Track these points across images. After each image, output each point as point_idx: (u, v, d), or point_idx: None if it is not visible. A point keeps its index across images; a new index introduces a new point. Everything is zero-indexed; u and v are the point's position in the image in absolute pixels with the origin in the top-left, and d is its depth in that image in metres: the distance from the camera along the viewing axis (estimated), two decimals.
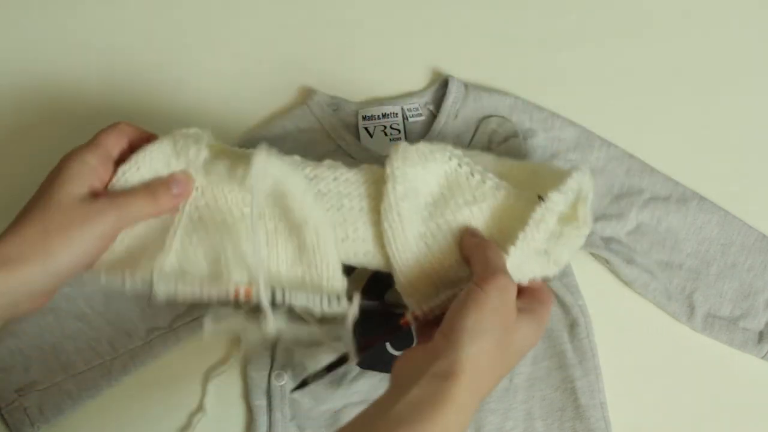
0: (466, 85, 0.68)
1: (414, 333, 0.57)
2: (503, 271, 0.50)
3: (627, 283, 0.65)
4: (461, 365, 0.45)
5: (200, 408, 0.63)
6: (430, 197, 0.57)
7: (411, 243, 0.56)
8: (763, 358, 0.64)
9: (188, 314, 0.64)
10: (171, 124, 0.68)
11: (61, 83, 0.70)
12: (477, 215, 0.56)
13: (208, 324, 0.55)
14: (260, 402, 0.62)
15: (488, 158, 0.59)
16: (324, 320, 0.59)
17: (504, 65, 0.70)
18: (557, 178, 0.54)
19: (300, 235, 0.56)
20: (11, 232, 0.50)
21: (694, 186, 0.67)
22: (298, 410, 0.62)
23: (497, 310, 0.48)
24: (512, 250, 0.52)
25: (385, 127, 0.68)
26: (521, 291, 0.53)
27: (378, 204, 0.56)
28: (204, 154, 0.56)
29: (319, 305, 0.55)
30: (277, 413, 0.61)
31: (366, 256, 0.57)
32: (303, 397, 0.62)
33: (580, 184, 0.55)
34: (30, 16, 0.72)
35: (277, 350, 0.63)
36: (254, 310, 0.54)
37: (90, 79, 0.70)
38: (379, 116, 0.68)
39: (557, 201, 0.52)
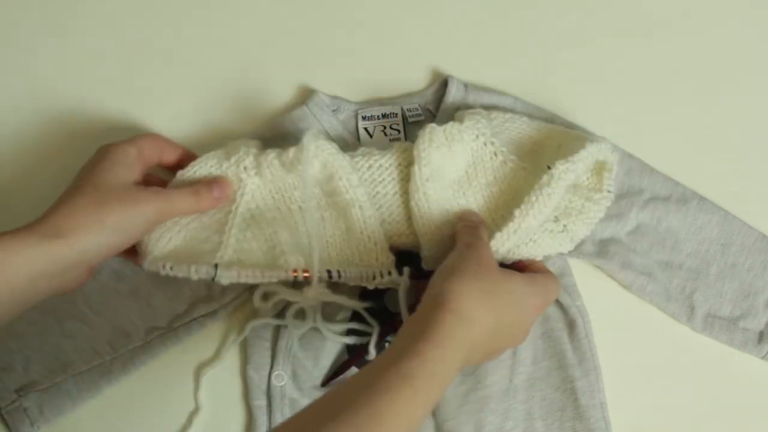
0: (466, 85, 0.68)
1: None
2: (479, 238, 0.56)
3: (624, 287, 0.65)
4: (445, 294, 0.49)
5: (196, 405, 0.63)
6: (455, 175, 0.61)
7: (437, 221, 0.59)
8: (763, 358, 0.64)
9: (188, 314, 0.64)
10: (170, 125, 0.69)
11: (56, 85, 0.71)
12: (497, 195, 0.60)
13: (257, 301, 0.59)
14: (260, 402, 0.62)
15: (520, 122, 0.64)
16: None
17: (504, 65, 0.70)
18: (585, 141, 0.58)
19: (347, 218, 0.60)
20: (64, 204, 0.54)
21: (694, 186, 0.67)
22: (299, 411, 0.62)
23: (472, 258, 0.53)
24: (516, 213, 0.56)
25: (385, 128, 0.68)
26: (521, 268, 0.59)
27: (401, 187, 0.61)
28: (253, 150, 0.61)
29: (371, 279, 0.59)
30: (277, 414, 0.61)
31: (401, 237, 0.61)
32: (303, 397, 0.62)
33: (596, 155, 0.58)
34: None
35: (277, 351, 0.63)
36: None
37: (86, 78, 0.70)
38: (378, 116, 0.68)
39: (563, 169, 0.56)
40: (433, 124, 0.60)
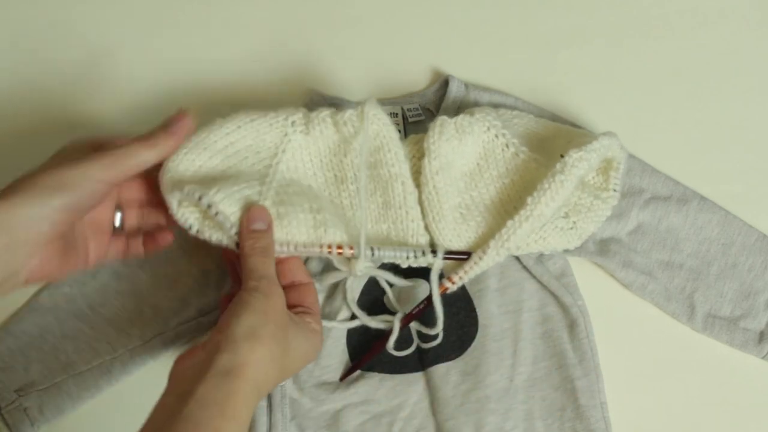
0: (467, 85, 0.68)
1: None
2: (268, 278, 0.52)
3: (625, 286, 0.65)
4: (243, 359, 0.47)
5: None
6: (466, 168, 0.61)
7: (447, 214, 0.59)
8: (763, 358, 0.64)
9: (188, 315, 0.64)
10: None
11: (56, 77, 0.71)
12: (509, 186, 0.60)
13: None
14: (260, 402, 0.62)
15: (528, 119, 0.64)
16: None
17: (504, 65, 0.70)
18: (587, 142, 0.58)
19: (387, 192, 0.60)
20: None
21: (695, 185, 0.67)
22: (299, 411, 0.62)
23: (266, 311, 0.50)
24: (528, 200, 0.56)
25: None
26: (295, 304, 0.56)
27: (413, 179, 0.60)
28: (303, 109, 0.60)
29: (405, 259, 0.59)
30: (278, 414, 0.61)
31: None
32: (303, 397, 0.62)
33: (607, 149, 0.59)
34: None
35: None
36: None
37: (86, 78, 0.71)
38: None
39: (576, 157, 0.56)
40: (444, 117, 0.60)
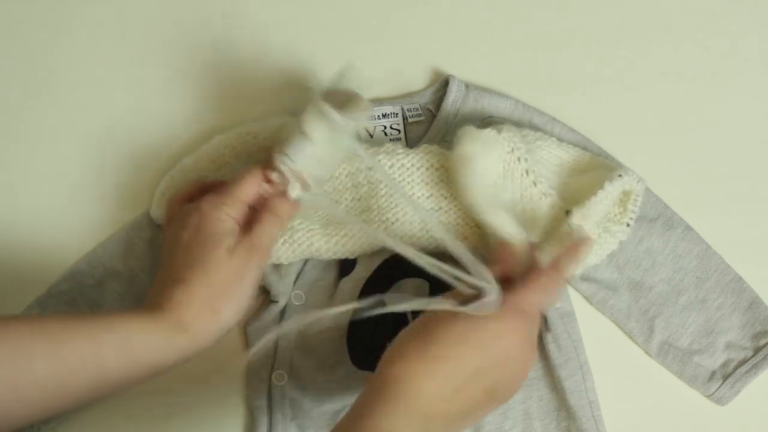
0: (467, 86, 0.68)
1: None
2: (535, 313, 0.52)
3: (586, 298, 0.65)
4: (387, 375, 0.48)
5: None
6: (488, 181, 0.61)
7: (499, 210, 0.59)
8: (708, 397, 0.63)
9: None
10: (171, 125, 0.69)
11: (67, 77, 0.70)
12: (520, 215, 0.60)
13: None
14: (261, 402, 0.62)
15: (550, 141, 0.64)
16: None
17: (504, 65, 0.70)
18: (605, 179, 0.58)
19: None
20: (179, 292, 0.53)
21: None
22: (299, 411, 0.62)
23: (429, 328, 0.50)
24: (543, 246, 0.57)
25: (385, 127, 0.68)
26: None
27: (427, 190, 0.62)
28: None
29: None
30: (278, 414, 0.62)
31: (411, 239, 0.62)
32: (303, 397, 0.62)
33: (617, 191, 0.59)
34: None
35: (278, 350, 0.63)
36: None
37: (86, 78, 0.70)
38: (379, 116, 0.68)
39: (579, 216, 0.57)
40: (470, 126, 0.60)
